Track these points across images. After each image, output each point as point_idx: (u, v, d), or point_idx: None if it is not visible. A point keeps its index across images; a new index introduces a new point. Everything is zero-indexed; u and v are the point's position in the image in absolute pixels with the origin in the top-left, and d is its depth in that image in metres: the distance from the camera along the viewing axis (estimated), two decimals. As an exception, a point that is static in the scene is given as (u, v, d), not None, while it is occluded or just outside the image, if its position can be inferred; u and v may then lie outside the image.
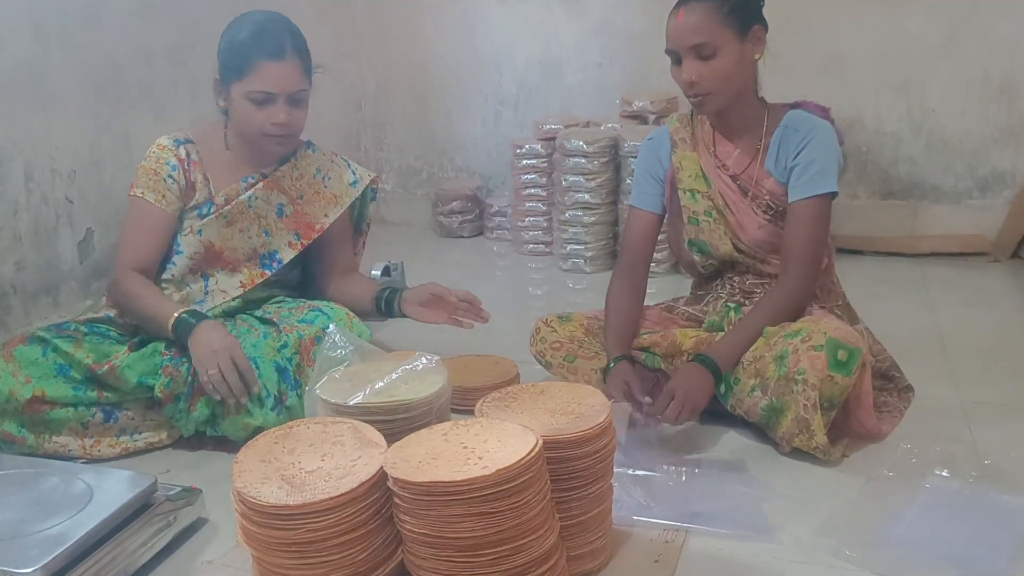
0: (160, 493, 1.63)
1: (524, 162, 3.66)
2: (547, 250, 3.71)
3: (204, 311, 2.07)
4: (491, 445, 1.33)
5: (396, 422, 1.52)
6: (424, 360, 1.59)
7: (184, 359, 1.97)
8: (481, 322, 2.22)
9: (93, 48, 2.77)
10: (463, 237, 4.09)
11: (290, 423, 1.47)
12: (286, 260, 2.19)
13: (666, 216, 2.21)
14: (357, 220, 2.42)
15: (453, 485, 1.22)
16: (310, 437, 1.43)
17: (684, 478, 1.71)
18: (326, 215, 2.23)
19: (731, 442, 2.00)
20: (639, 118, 3.56)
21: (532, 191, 3.68)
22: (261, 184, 2.16)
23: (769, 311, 1.94)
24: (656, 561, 1.55)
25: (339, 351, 1.66)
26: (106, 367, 1.95)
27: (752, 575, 1.52)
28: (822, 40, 3.56)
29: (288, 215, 2.19)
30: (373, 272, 3.04)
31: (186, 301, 2.11)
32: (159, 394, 1.96)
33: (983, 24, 3.39)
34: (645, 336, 2.09)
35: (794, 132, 2.00)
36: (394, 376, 1.56)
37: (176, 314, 1.95)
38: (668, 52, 1.98)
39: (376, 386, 1.54)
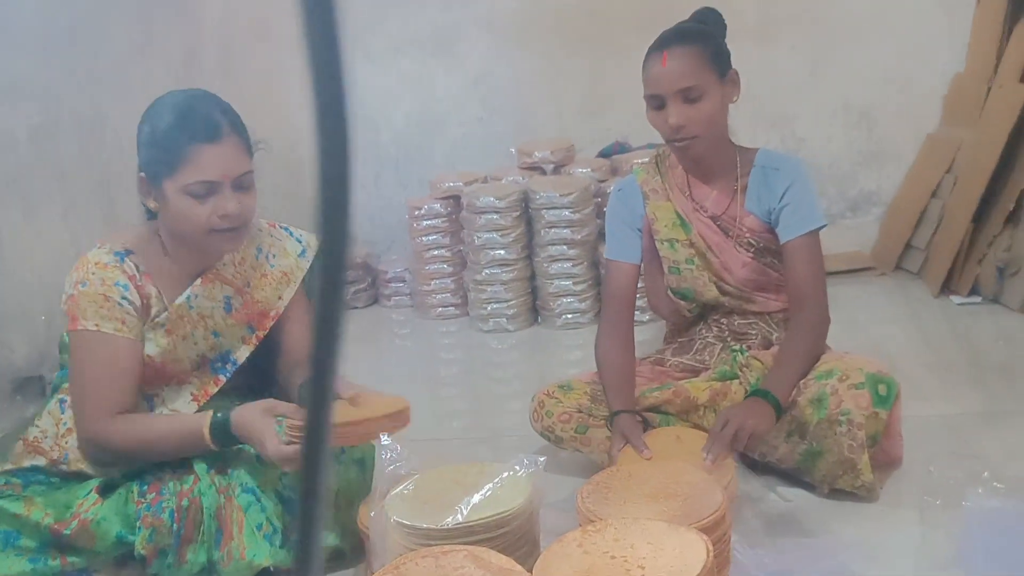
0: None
1: (424, 223, 3.51)
2: (458, 312, 3.56)
3: None
4: (643, 551, 1.20)
5: (498, 538, 1.34)
6: (525, 461, 1.41)
7: (164, 504, 1.66)
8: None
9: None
10: (357, 308, 3.84)
11: (395, 562, 1.25)
12: (241, 359, 1.88)
13: (641, 266, 2.16)
14: (308, 294, 2.09)
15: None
16: (427, 575, 1.22)
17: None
18: (280, 297, 1.92)
19: (758, 487, 1.95)
20: (539, 169, 3.52)
21: (436, 252, 3.53)
22: (200, 281, 1.84)
23: (804, 342, 1.90)
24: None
25: (401, 465, 1.45)
26: (75, 524, 1.62)
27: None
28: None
29: (237, 308, 1.88)
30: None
31: None
32: (141, 551, 1.64)
33: (842, 57, 3.63)
34: (653, 394, 2.01)
35: (774, 172, 2.02)
36: (485, 491, 1.37)
37: (208, 421, 1.67)
38: (650, 97, 1.94)
39: (472, 501, 1.35)
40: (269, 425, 1.62)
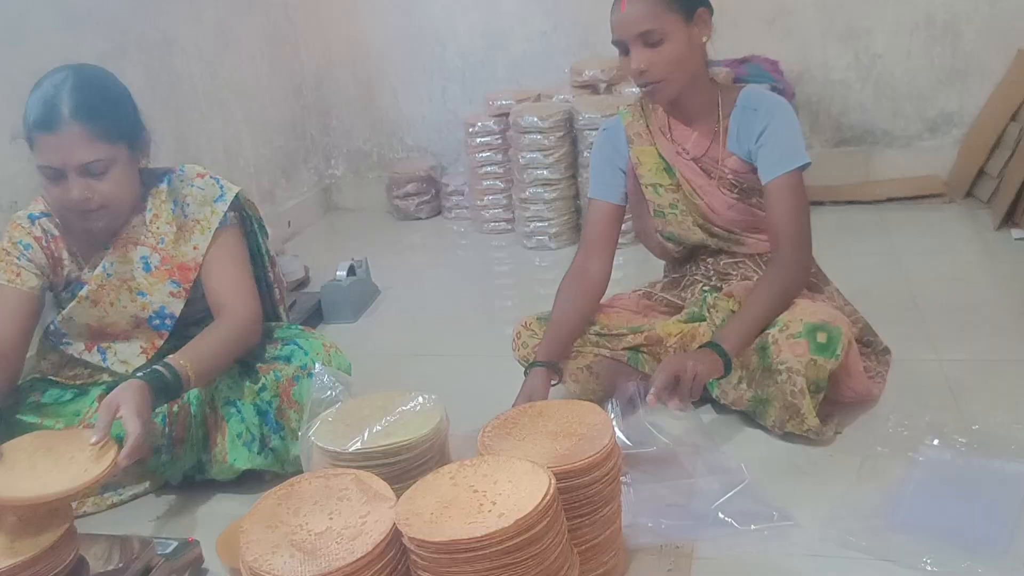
0: (158, 554, 1.58)
1: (478, 140, 3.59)
2: (509, 227, 3.67)
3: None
4: (502, 487, 1.31)
5: (398, 464, 1.48)
6: (421, 399, 1.55)
7: (156, 411, 1.89)
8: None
9: (17, 67, 2.61)
10: (421, 219, 4.02)
11: (290, 480, 1.42)
12: (178, 312, 1.96)
13: (628, 207, 2.18)
14: (254, 256, 2.09)
15: (472, 542, 1.19)
16: (313, 494, 1.39)
17: (684, 490, 1.69)
18: (195, 247, 1.95)
19: (721, 428, 2.00)
20: (591, 87, 3.51)
21: (489, 169, 3.62)
22: (111, 247, 1.92)
23: (770, 289, 1.90)
24: (669, 571, 1.55)
25: (328, 392, 1.61)
26: (81, 428, 1.88)
27: (765, 572, 1.53)
28: (766, -8, 3.54)
29: (156, 265, 1.94)
30: (338, 273, 2.99)
31: (99, 375, 1.99)
32: (138, 450, 1.89)
33: (924, -35, 3.38)
34: (627, 337, 2.07)
35: (752, 112, 1.98)
36: (392, 418, 1.52)
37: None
38: (615, 43, 1.93)
39: (374, 429, 1.50)
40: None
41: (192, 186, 2.00)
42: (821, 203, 3.48)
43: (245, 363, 1.96)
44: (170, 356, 1.79)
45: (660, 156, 2.06)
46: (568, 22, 3.76)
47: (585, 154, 3.31)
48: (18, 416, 1.89)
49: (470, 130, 3.62)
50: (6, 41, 2.57)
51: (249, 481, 1.94)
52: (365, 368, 2.22)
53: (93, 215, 1.84)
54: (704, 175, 2.04)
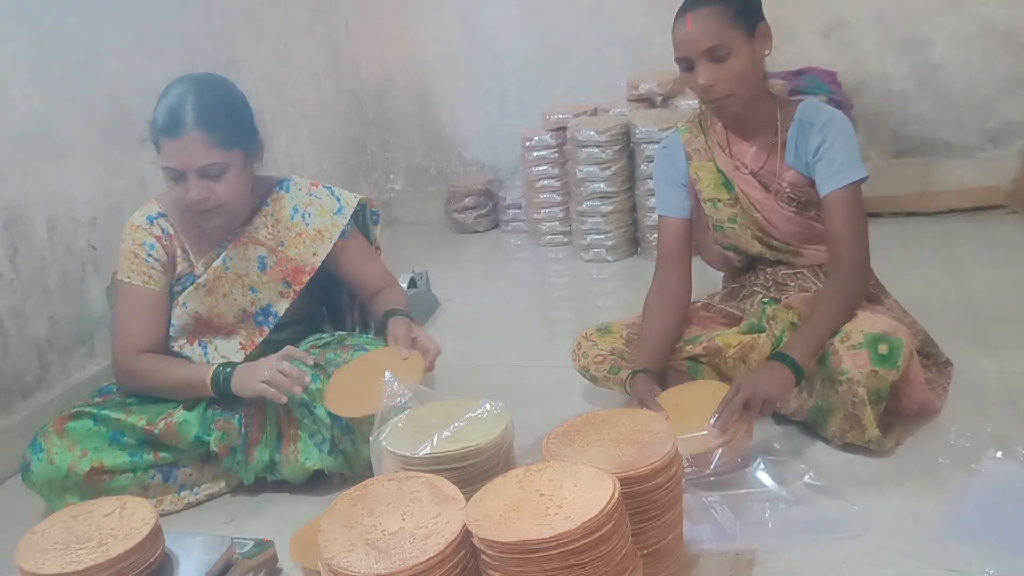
0: (237, 553, 1.66)
1: (535, 154, 3.65)
2: (566, 240, 3.72)
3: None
4: (568, 491, 1.35)
5: (466, 469, 1.54)
6: (488, 406, 1.60)
7: (234, 411, 1.99)
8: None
9: (97, 92, 2.76)
10: (479, 232, 4.09)
11: (364, 483, 1.48)
12: (281, 312, 2.12)
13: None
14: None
15: (540, 543, 1.24)
16: (386, 496, 1.45)
17: (746, 498, 1.71)
18: (315, 254, 2.12)
19: (782, 437, 2.01)
20: (647, 101, 3.55)
21: (545, 182, 3.68)
22: (232, 243, 2.08)
23: (832, 300, 1.92)
24: (730, 576, 1.58)
25: (398, 399, 1.68)
26: (163, 425, 1.98)
27: (826, 581, 1.55)
28: (822, 4, 3.54)
29: (272, 266, 2.10)
30: (399, 285, 3.06)
31: None
32: (215, 449, 1.98)
33: (984, -26, 3.36)
34: (686, 347, 2.11)
35: (809, 126, 2.01)
36: (459, 424, 1.57)
37: (205, 373, 1.96)
38: (679, 60, 1.97)
39: (443, 434, 1.55)
40: (269, 360, 1.91)
41: (311, 195, 2.16)
42: (880, 215, 3.46)
43: (318, 366, 2.04)
44: (386, 307, 2.11)
45: (718, 171, 2.10)
46: (623, 37, 3.81)
47: (642, 167, 3.35)
48: (104, 412, 1.99)
49: (527, 144, 3.68)
50: (86, 65, 2.71)
51: (319, 484, 2.02)
52: (426, 378, 2.29)
53: (209, 214, 1.97)
54: (762, 189, 2.07)
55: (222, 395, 1.97)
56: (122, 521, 1.55)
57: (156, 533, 1.53)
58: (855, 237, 1.97)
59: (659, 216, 2.21)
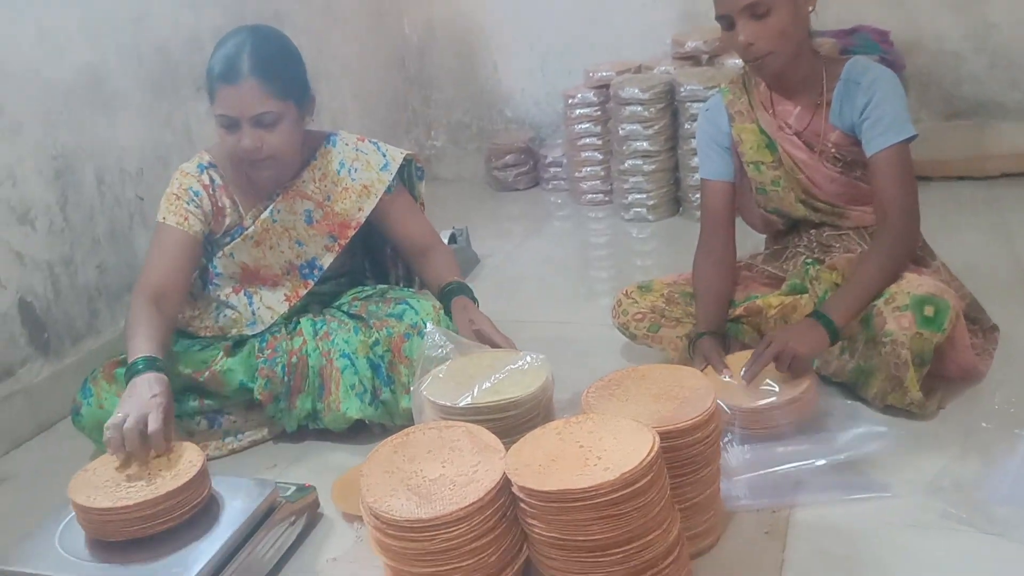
0: (281, 497, 1.70)
1: (577, 112, 3.62)
2: (607, 199, 3.70)
3: (258, 330, 2.09)
4: (607, 444, 1.36)
5: (506, 420, 1.56)
6: (529, 359, 1.62)
7: (277, 360, 2.02)
8: None
9: (146, 44, 2.78)
10: (519, 190, 4.08)
11: (405, 430, 1.51)
12: (326, 265, 2.14)
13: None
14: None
15: (579, 492, 1.25)
16: (427, 443, 1.47)
17: (785, 456, 1.71)
18: (360, 209, 2.13)
19: (822, 398, 2.00)
20: (692, 59, 3.49)
21: (587, 140, 3.65)
22: (281, 196, 2.09)
23: (878, 261, 1.90)
24: (766, 533, 1.59)
25: (439, 350, 1.70)
26: (207, 373, 2.02)
27: (862, 540, 1.55)
28: (876, -40, 3.45)
29: (318, 220, 2.12)
30: (439, 241, 3.07)
31: (238, 323, 2.12)
32: (259, 396, 2.02)
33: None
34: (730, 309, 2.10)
35: (855, 85, 1.96)
36: (500, 376, 1.59)
37: (136, 356, 1.80)
38: (719, 18, 1.94)
39: (483, 386, 1.57)
40: (130, 419, 1.63)
41: (357, 150, 2.16)
42: (929, 178, 3.39)
43: (359, 318, 2.07)
44: (441, 279, 2.13)
45: (762, 132, 2.06)
46: (669, -6, 3.75)
47: (686, 126, 3.31)
48: None
49: (569, 102, 3.65)
50: (135, 18, 2.73)
51: (359, 433, 2.05)
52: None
53: (260, 164, 1.99)
54: (806, 149, 2.03)
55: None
56: (171, 462, 1.59)
57: (203, 474, 1.57)
58: (904, 197, 1.93)
59: (702, 179, 2.19)
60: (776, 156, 2.06)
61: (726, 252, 2.15)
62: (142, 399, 1.68)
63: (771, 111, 2.06)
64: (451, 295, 2.09)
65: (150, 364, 1.78)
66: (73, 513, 1.56)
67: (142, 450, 1.61)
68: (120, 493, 1.52)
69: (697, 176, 3.25)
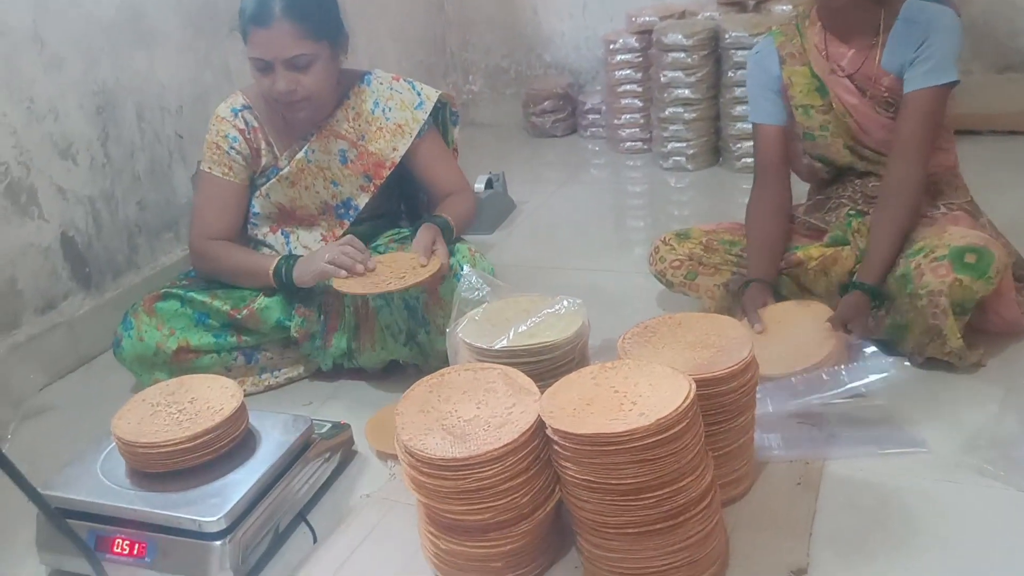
0: (316, 433, 1.72)
1: (618, 58, 3.57)
2: (645, 147, 3.65)
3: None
4: (643, 389, 1.36)
5: (541, 363, 1.56)
6: (566, 303, 1.61)
7: (314, 299, 2.03)
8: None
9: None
10: (556, 136, 4.04)
11: (440, 371, 1.52)
12: (362, 205, 2.14)
13: None
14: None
15: (615, 436, 1.25)
16: (462, 384, 1.48)
17: (819, 408, 1.69)
18: (395, 148, 2.11)
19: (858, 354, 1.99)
20: (738, 5, 3.41)
21: (627, 87, 3.59)
22: (315, 136, 2.08)
23: (895, 212, 1.89)
24: (798, 484, 1.58)
25: (476, 293, 1.69)
26: (246, 311, 2.04)
27: (896, 494, 1.54)
28: (934, -97, 3.31)
29: (352, 159, 2.10)
30: (476, 186, 3.06)
31: None
32: (295, 334, 2.04)
33: None
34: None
35: (913, 24, 1.91)
36: (536, 320, 1.59)
37: (275, 261, 1.99)
38: None
39: (519, 329, 1.57)
40: (331, 246, 1.94)
41: (392, 89, 2.14)
42: (979, 132, 3.30)
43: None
44: (437, 211, 2.10)
45: (813, 75, 2.02)
46: (717, -64, 3.64)
47: (729, 74, 3.25)
48: (190, 294, 2.06)
49: (610, 47, 3.59)
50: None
51: (393, 373, 2.07)
52: (501, 277, 2.30)
53: (296, 106, 1.99)
54: (858, 94, 1.99)
55: (283, 287, 2.00)
56: (210, 396, 1.62)
57: (242, 409, 1.60)
58: (918, 146, 1.89)
59: (753, 124, 2.15)
60: (826, 100, 2.01)
61: (781, 198, 2.11)
62: (324, 248, 1.95)
63: (824, 53, 2.01)
64: (428, 220, 2.06)
65: (292, 257, 2.00)
66: (114, 443, 1.60)
67: (358, 252, 1.90)
68: (160, 425, 1.54)
69: (739, 126, 3.26)
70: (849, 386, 1.66)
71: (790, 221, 2.15)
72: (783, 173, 2.12)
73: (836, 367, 1.71)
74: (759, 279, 1.99)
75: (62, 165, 2.37)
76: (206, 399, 1.61)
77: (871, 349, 1.76)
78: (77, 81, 2.41)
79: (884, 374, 1.66)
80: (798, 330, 1.85)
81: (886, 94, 1.96)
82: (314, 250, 2.00)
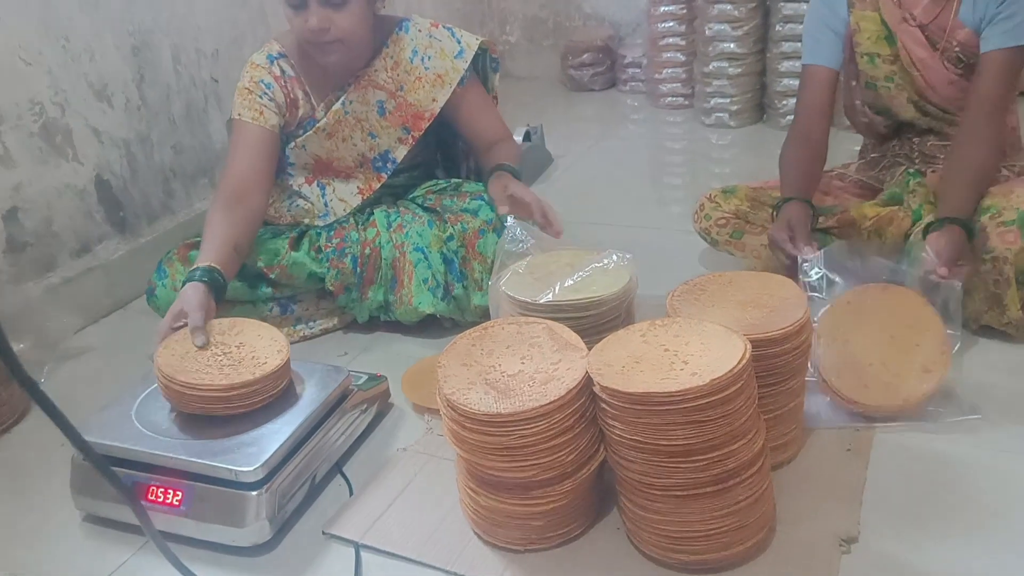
0: (353, 385, 1.69)
1: (662, 9, 3.47)
2: (687, 103, 3.56)
3: (329, 221, 2.07)
4: (694, 348, 1.31)
5: (587, 319, 1.51)
6: (615, 257, 1.56)
7: (347, 250, 2.00)
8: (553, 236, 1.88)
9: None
10: (594, 90, 3.96)
11: (484, 324, 1.47)
12: (400, 158, 2.09)
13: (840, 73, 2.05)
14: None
15: (666, 396, 1.21)
16: (506, 338, 1.44)
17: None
18: (434, 99, 2.06)
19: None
20: (789, -45, 3.28)
21: (670, 40, 3.50)
22: (352, 86, 2.02)
23: (970, 163, 1.78)
24: (848, 450, 1.54)
25: (519, 245, 1.65)
26: (278, 270, 2.00)
27: (949, 464, 1.49)
28: None
29: (391, 111, 2.05)
30: (514, 138, 3.00)
31: (310, 214, 2.10)
32: (331, 287, 2.01)
33: None
34: (818, 216, 1.98)
35: None
36: (583, 273, 1.54)
37: (198, 264, 1.77)
38: None
39: (565, 283, 1.52)
40: (187, 310, 1.65)
41: (431, 37, 2.07)
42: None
43: (434, 211, 2.02)
44: (494, 162, 2.09)
45: (883, 22, 1.92)
46: None
47: (777, 28, 3.14)
48: None
49: (655, -2, 3.49)
50: None
51: (430, 327, 2.04)
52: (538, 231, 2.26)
53: (329, 47, 1.92)
54: (928, 46, 1.89)
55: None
56: (258, 346, 1.59)
57: (285, 367, 1.57)
58: (996, 103, 1.80)
59: (804, 66, 2.03)
60: (894, 50, 1.92)
61: (820, 143, 1.98)
62: (186, 302, 1.66)
63: (897, 1, 1.91)
64: (495, 171, 2.06)
65: (206, 273, 1.74)
66: (150, 388, 1.58)
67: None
68: (203, 364, 1.52)
69: (785, 82, 3.16)
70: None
71: (824, 167, 2.03)
72: (825, 120, 1.99)
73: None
74: (797, 198, 1.87)
75: (98, 107, 2.34)
76: (252, 347, 1.59)
77: None
78: (113, 20, 2.36)
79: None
80: (895, 327, 1.64)
81: (958, 49, 1.87)
82: (191, 296, 1.68)
